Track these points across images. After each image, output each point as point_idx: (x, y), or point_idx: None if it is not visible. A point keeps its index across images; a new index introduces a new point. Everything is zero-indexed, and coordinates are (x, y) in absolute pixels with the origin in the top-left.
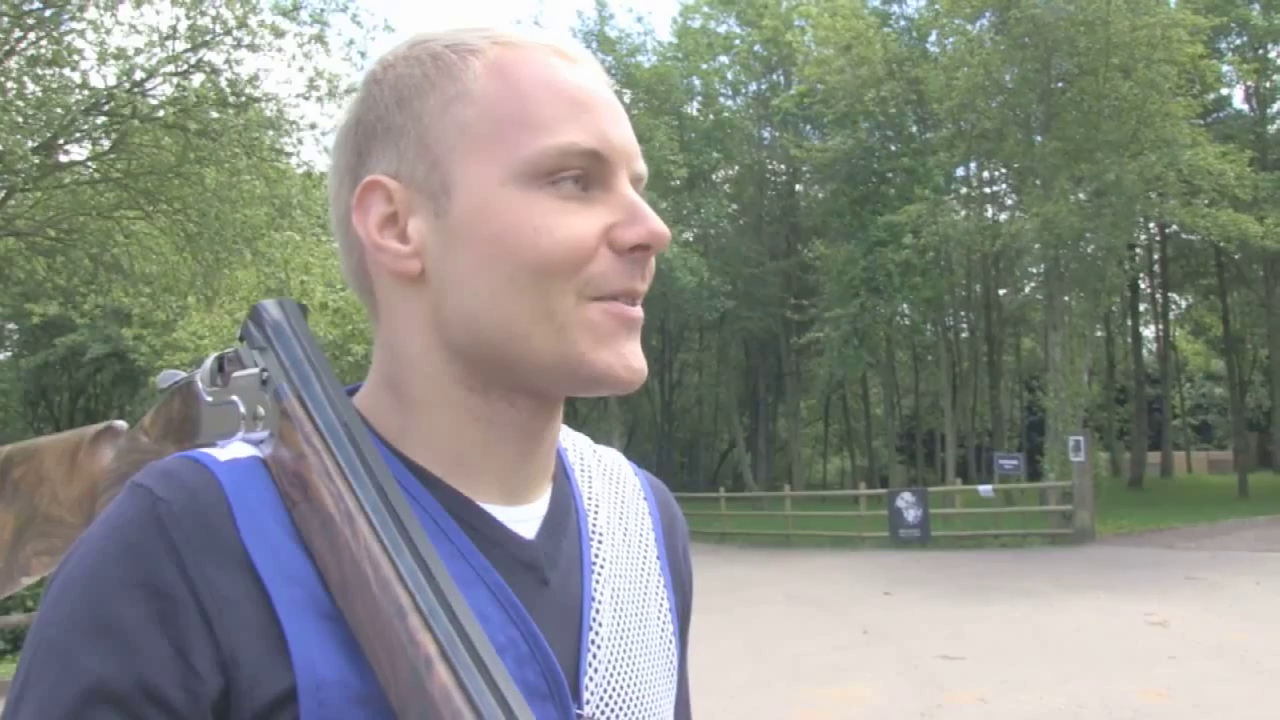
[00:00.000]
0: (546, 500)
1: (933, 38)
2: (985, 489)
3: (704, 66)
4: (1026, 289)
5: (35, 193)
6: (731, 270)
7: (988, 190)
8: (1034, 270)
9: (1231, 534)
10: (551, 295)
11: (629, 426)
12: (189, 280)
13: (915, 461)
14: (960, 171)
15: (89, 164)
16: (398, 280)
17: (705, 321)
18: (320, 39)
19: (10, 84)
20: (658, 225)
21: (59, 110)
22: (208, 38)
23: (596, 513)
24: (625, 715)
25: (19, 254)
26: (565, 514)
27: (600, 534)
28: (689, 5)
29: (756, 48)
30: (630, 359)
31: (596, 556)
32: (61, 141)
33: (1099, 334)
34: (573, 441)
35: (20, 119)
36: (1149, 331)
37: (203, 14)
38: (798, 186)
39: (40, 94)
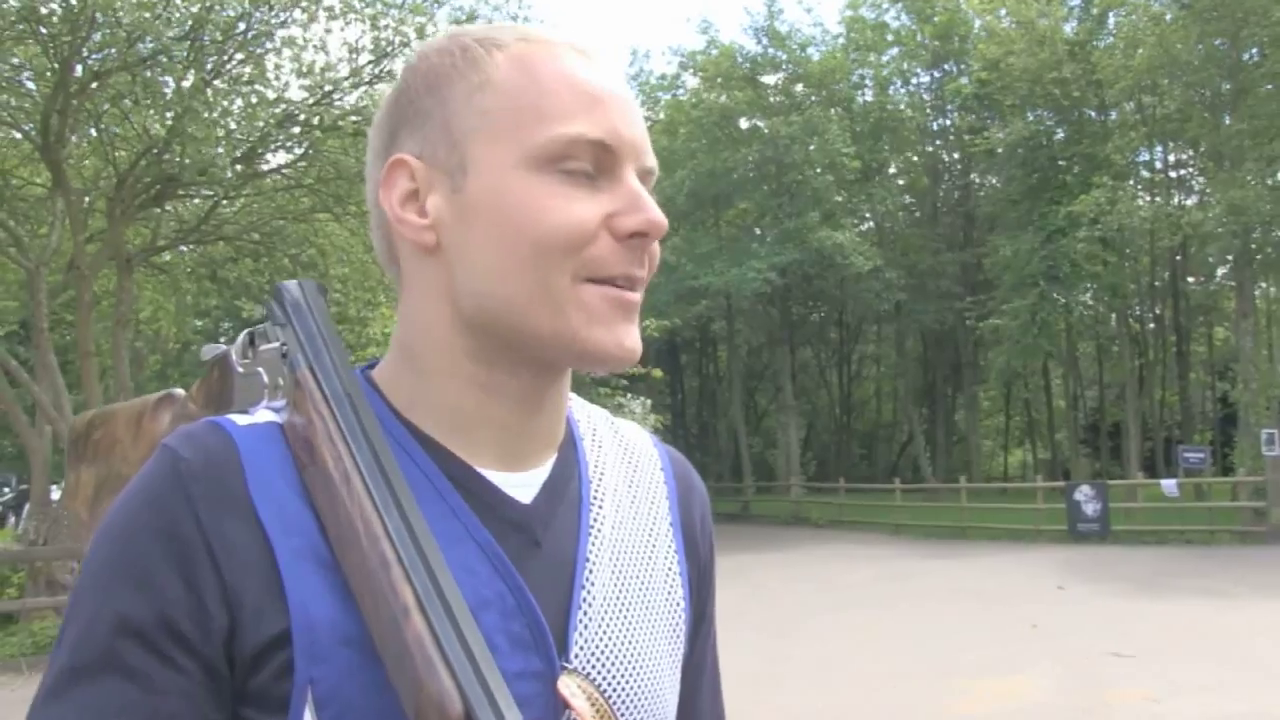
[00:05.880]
0: (549, 467)
1: (1111, 20)
2: (1169, 487)
3: (873, 58)
4: (1216, 276)
5: (239, 200)
6: (907, 262)
7: (1173, 175)
8: (1225, 256)
9: None
10: (550, 273)
11: (808, 418)
12: (378, 277)
13: (1100, 454)
14: (1144, 155)
15: (283, 171)
16: (416, 251)
17: (882, 313)
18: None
19: (222, 102)
20: (656, 215)
21: (259, 124)
22: (389, 49)
23: (601, 479)
24: (616, 671)
25: (229, 257)
26: (567, 480)
27: (602, 500)
28: None
29: (924, 39)
30: (623, 338)
31: (595, 521)
32: (260, 152)
33: None
34: (587, 413)
35: (222, 132)
36: None
37: (383, 29)
38: (973, 176)
39: (243, 109)
